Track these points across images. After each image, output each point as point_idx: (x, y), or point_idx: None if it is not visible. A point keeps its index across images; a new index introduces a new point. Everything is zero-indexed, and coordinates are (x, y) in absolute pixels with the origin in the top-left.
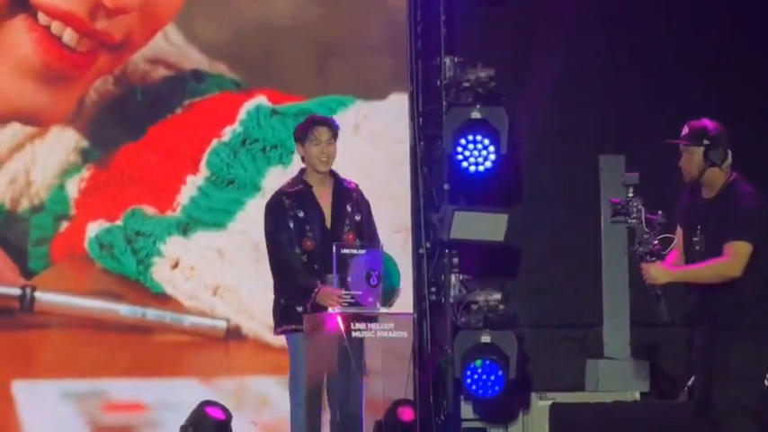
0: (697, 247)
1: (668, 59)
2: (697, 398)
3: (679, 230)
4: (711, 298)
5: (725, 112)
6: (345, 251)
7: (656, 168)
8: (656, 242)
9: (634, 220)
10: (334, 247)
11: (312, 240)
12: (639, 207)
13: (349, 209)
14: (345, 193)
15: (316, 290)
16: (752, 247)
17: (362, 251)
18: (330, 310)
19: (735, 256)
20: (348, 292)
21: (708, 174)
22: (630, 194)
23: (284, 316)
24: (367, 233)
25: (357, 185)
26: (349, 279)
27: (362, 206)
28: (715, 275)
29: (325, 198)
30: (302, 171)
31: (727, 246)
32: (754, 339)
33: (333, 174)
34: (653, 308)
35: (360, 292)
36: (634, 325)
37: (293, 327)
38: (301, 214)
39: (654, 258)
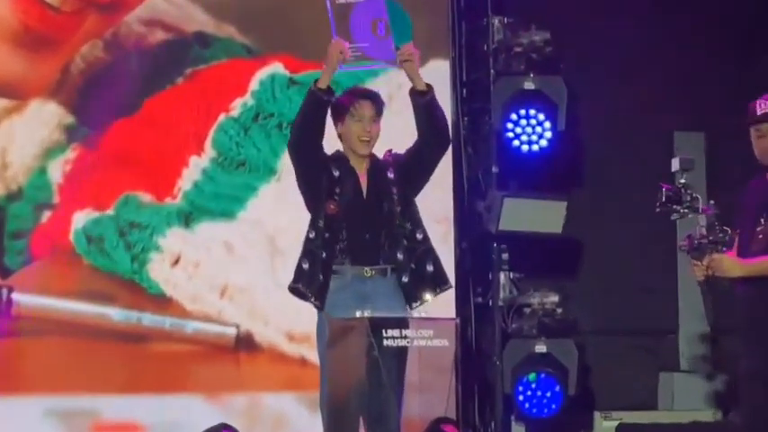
0: (761, 236)
1: (751, 27)
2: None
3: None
4: None
5: None
6: (341, 0)
7: (739, 147)
8: (726, 230)
9: (686, 210)
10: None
11: (336, 204)
12: (695, 195)
13: (391, 175)
14: (381, 166)
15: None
16: None
17: None
18: (337, 64)
19: None
20: (353, 45)
21: None
22: (683, 180)
23: (297, 272)
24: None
25: (390, 151)
26: (351, 32)
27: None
28: None
29: (362, 177)
30: (338, 151)
31: None
32: None
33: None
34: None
35: (366, 44)
36: (715, 332)
37: (293, 285)
38: (336, 173)
39: (724, 248)
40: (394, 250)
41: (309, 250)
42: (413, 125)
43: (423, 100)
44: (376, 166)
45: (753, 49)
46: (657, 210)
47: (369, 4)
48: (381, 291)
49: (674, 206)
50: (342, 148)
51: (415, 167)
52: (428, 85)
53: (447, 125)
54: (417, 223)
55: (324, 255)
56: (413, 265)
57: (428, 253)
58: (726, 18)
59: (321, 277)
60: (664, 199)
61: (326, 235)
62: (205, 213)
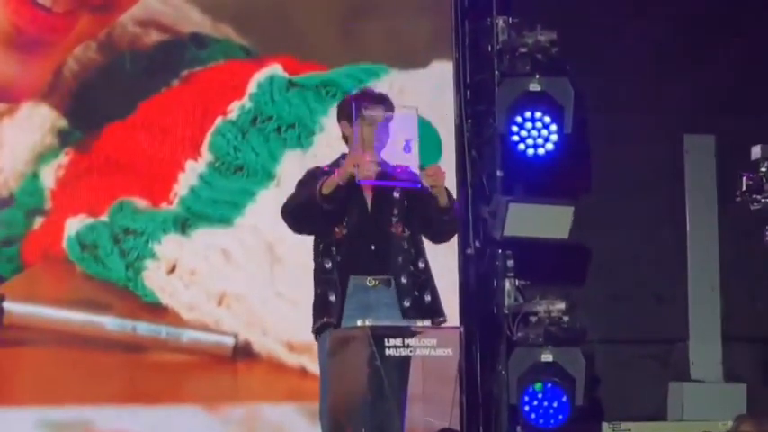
0: None
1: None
2: None
3: None
4: None
5: None
6: (369, 113)
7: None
8: None
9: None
10: (353, 102)
11: (342, 227)
12: None
13: (396, 195)
14: (392, 179)
15: (322, 179)
16: None
17: (390, 113)
18: (357, 176)
19: None
20: (373, 160)
21: None
22: (764, 168)
23: (323, 306)
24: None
25: (408, 168)
26: (375, 148)
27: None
28: None
29: (367, 188)
30: (343, 156)
31: None
32: None
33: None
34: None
35: (388, 161)
36: (727, 340)
37: (326, 319)
38: None
39: None
40: (398, 269)
41: (328, 280)
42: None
43: (442, 217)
44: (385, 178)
45: (761, 50)
46: (737, 199)
47: (399, 120)
48: (384, 301)
49: (755, 195)
50: (343, 151)
51: (420, 223)
52: (450, 200)
53: (455, 233)
54: (421, 252)
55: (339, 280)
56: (416, 292)
57: (428, 282)
58: (737, 19)
59: (336, 300)
60: (744, 188)
61: (338, 259)
62: (202, 219)
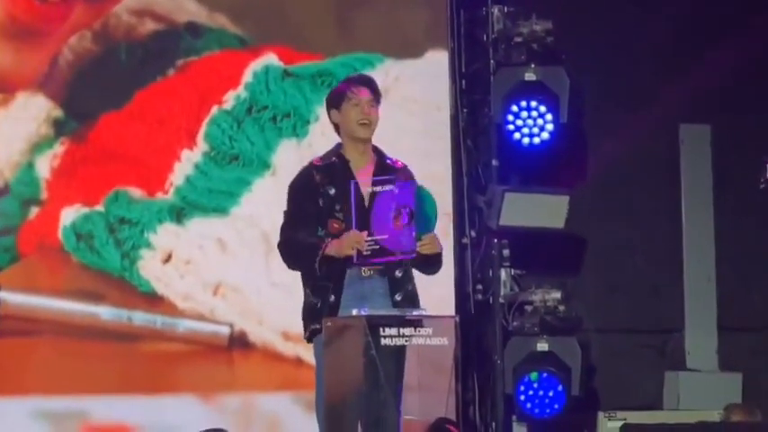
0: None
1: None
2: None
3: None
4: None
5: None
6: (367, 189)
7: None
8: None
9: None
10: (351, 184)
11: (340, 222)
12: None
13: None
14: (390, 172)
15: (324, 244)
16: None
17: (389, 187)
18: (350, 252)
19: None
20: (371, 238)
21: None
22: None
23: (312, 313)
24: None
25: (405, 166)
26: (371, 220)
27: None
28: None
29: (364, 175)
30: (339, 145)
31: None
32: None
33: (376, 149)
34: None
35: (385, 236)
36: (722, 330)
37: (319, 326)
38: (332, 191)
39: None
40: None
41: (317, 286)
42: (408, 120)
43: (429, 268)
44: (381, 166)
45: (756, 39)
46: (762, 186)
47: (397, 191)
48: (379, 291)
49: None
50: (340, 141)
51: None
52: (440, 255)
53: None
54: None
55: (332, 285)
56: (408, 287)
57: (413, 279)
58: (730, 6)
59: (333, 298)
60: None
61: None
62: (197, 209)
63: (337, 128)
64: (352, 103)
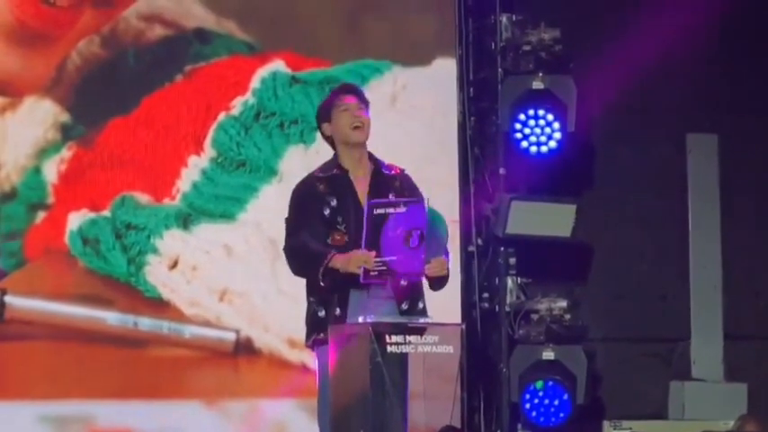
0: None
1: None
2: None
3: None
4: None
5: None
6: (379, 211)
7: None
8: None
9: None
10: (365, 207)
11: (343, 234)
12: None
13: (391, 198)
14: (386, 181)
15: (330, 255)
16: None
17: (402, 209)
18: (356, 270)
19: None
20: (380, 259)
21: None
22: None
23: (315, 322)
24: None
25: (403, 171)
26: (381, 241)
27: (410, 197)
28: None
29: (362, 185)
30: (336, 156)
31: None
32: None
33: (371, 158)
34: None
35: (394, 258)
36: (728, 339)
37: (323, 336)
38: (334, 203)
39: None
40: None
41: (320, 298)
42: (415, 127)
43: (434, 286)
44: (380, 180)
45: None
46: None
47: (409, 213)
48: (383, 295)
49: None
50: (335, 152)
51: None
52: (447, 275)
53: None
54: None
55: (337, 298)
56: (413, 297)
57: (421, 291)
58: (740, 18)
59: (339, 311)
60: None
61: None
62: (204, 215)
63: (331, 141)
64: (341, 110)
